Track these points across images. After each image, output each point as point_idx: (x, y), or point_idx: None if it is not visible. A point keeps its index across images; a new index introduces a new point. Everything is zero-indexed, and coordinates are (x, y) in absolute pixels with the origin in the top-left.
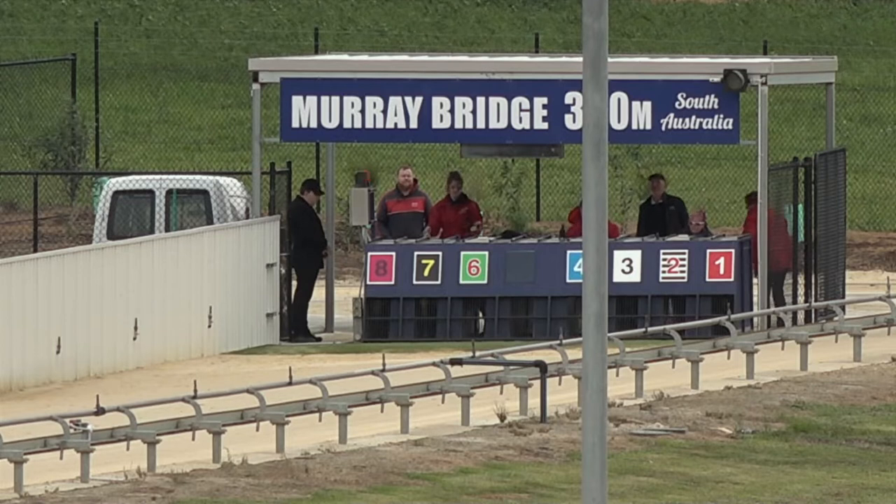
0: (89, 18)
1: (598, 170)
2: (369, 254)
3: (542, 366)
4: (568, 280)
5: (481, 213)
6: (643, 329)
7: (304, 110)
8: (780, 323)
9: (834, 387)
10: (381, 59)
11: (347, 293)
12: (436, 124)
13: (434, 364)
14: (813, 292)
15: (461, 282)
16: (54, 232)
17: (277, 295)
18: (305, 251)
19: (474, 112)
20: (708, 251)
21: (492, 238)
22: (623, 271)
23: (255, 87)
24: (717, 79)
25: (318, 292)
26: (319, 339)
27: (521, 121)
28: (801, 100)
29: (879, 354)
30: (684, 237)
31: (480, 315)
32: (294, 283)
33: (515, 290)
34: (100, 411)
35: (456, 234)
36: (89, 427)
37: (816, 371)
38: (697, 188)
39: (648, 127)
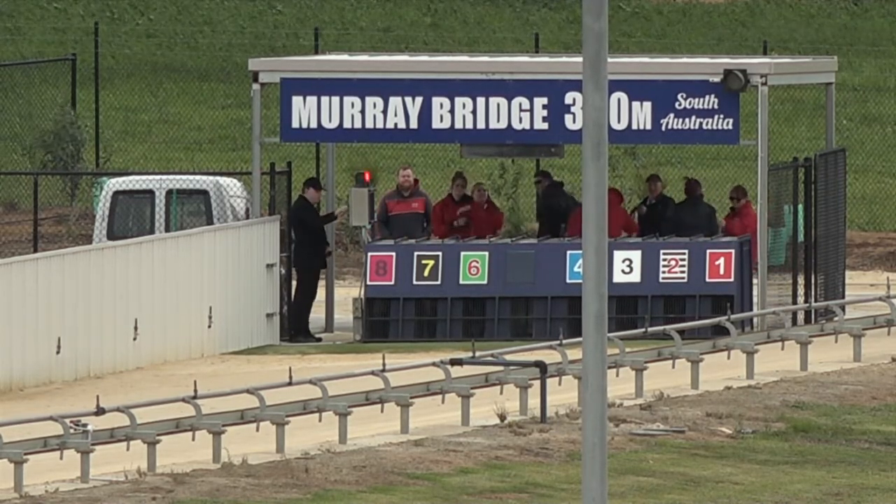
0: (89, 18)
1: (598, 170)
2: (369, 254)
3: (542, 366)
4: (568, 280)
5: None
6: (643, 329)
7: (304, 110)
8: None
9: (834, 387)
10: (381, 60)
11: (347, 293)
12: (436, 124)
13: (434, 364)
14: (813, 292)
15: (461, 282)
16: (54, 232)
17: (277, 295)
18: (308, 250)
19: (474, 112)
20: (708, 251)
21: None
22: (623, 271)
23: (255, 87)
24: (717, 79)
25: (318, 292)
26: (319, 340)
27: (521, 121)
28: (801, 100)
29: (879, 354)
30: (684, 238)
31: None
32: (295, 282)
33: (515, 290)
34: (100, 411)
35: (458, 234)
36: (89, 427)
37: (816, 371)
38: None
39: (648, 127)
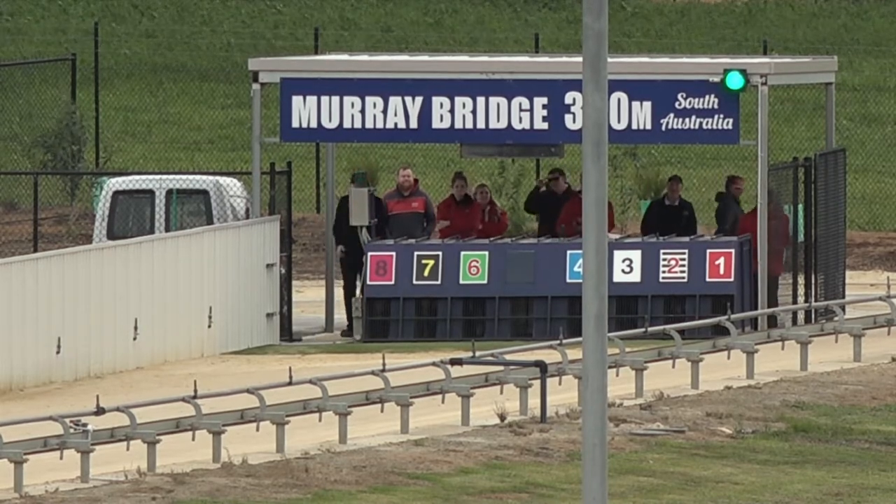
0: (89, 18)
1: (598, 170)
2: (369, 254)
3: (542, 366)
4: (568, 280)
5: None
6: (643, 329)
7: (304, 110)
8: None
9: (834, 387)
10: (381, 59)
11: None
12: (436, 124)
13: (434, 364)
14: (813, 292)
15: (461, 282)
16: (54, 232)
17: (277, 295)
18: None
19: (474, 112)
20: (708, 251)
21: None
22: (623, 271)
23: (255, 87)
24: (717, 79)
25: (318, 292)
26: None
27: (521, 121)
28: (801, 100)
29: (879, 354)
30: (684, 238)
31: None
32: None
33: (515, 290)
34: (100, 411)
35: (459, 234)
36: (89, 427)
37: (816, 371)
38: (697, 188)
39: (648, 127)
